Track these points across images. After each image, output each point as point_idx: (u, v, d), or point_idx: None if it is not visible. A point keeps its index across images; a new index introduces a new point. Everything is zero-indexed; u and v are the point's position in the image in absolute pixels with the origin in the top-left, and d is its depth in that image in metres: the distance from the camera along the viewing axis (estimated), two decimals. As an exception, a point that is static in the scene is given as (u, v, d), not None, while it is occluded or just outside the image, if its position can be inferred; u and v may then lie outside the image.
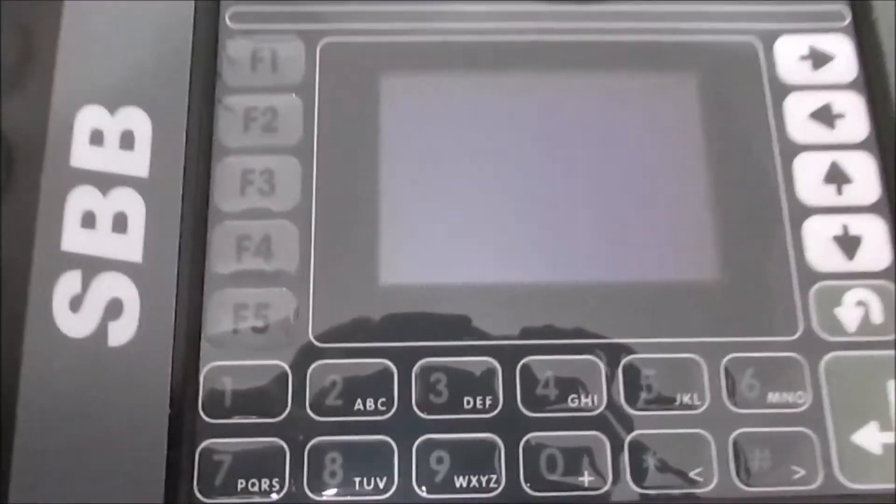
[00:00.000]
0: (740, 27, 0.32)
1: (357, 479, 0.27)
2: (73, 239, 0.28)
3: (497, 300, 0.29)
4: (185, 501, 0.26)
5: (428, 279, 0.29)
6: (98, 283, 0.27)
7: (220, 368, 0.28)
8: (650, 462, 0.27)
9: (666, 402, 0.28)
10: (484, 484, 0.27)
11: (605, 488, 0.27)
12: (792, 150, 0.31)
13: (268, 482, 0.27)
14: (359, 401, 0.27)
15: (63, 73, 0.29)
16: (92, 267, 0.27)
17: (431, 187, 0.30)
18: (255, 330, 0.28)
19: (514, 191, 0.30)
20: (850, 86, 0.31)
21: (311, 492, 0.27)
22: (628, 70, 0.31)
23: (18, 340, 0.27)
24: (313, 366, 0.28)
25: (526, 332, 0.28)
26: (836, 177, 0.30)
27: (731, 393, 0.28)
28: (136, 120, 0.29)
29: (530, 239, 0.29)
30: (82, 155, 0.29)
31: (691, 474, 0.27)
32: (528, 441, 0.27)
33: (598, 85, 0.31)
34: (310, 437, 0.27)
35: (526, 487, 0.27)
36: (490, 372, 0.28)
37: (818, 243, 0.30)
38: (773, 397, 0.28)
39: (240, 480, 0.27)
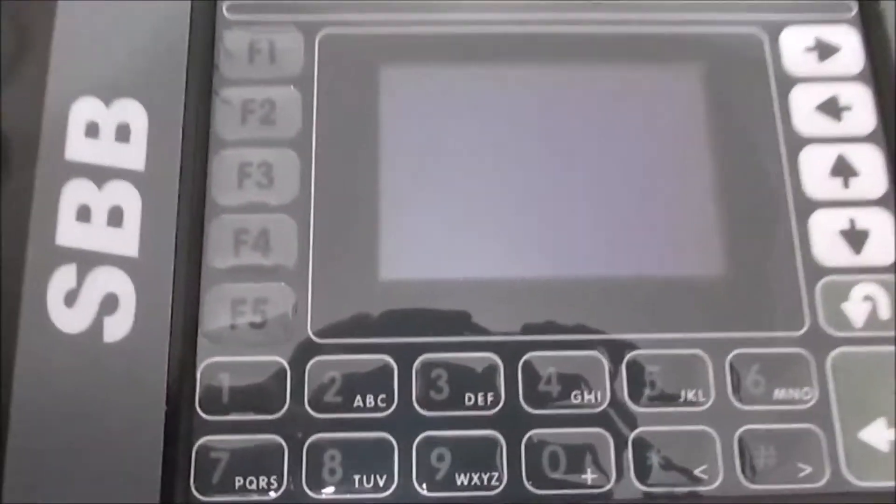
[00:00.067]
0: (745, 18, 0.32)
1: (356, 477, 0.27)
2: (68, 233, 0.27)
3: (499, 295, 0.28)
4: (182, 499, 0.26)
5: (429, 274, 0.29)
6: (93, 278, 0.27)
7: (217, 364, 0.27)
8: (654, 459, 0.27)
9: (670, 398, 0.28)
10: (485, 482, 0.27)
11: (609, 486, 0.27)
12: (798, 142, 0.30)
13: (266, 480, 0.27)
14: (358, 397, 0.27)
15: (58, 64, 0.29)
16: (87, 261, 0.27)
17: (432, 181, 0.30)
18: (253, 325, 0.28)
19: (517, 184, 0.30)
20: (857, 78, 0.31)
21: (310, 490, 0.27)
22: (631, 62, 0.31)
23: (12, 336, 0.26)
24: (312, 362, 0.28)
25: (528, 328, 0.28)
26: (843, 170, 0.30)
27: (737, 389, 0.28)
28: (132, 112, 0.29)
29: (533, 233, 0.29)
30: (77, 147, 0.28)
31: (696, 472, 0.27)
32: (530, 438, 0.27)
33: (600, 77, 0.31)
34: (308, 434, 0.27)
35: (528, 485, 0.27)
36: (492, 368, 0.28)
37: (825, 237, 0.29)
38: (779, 394, 0.28)
39: (237, 478, 0.27)
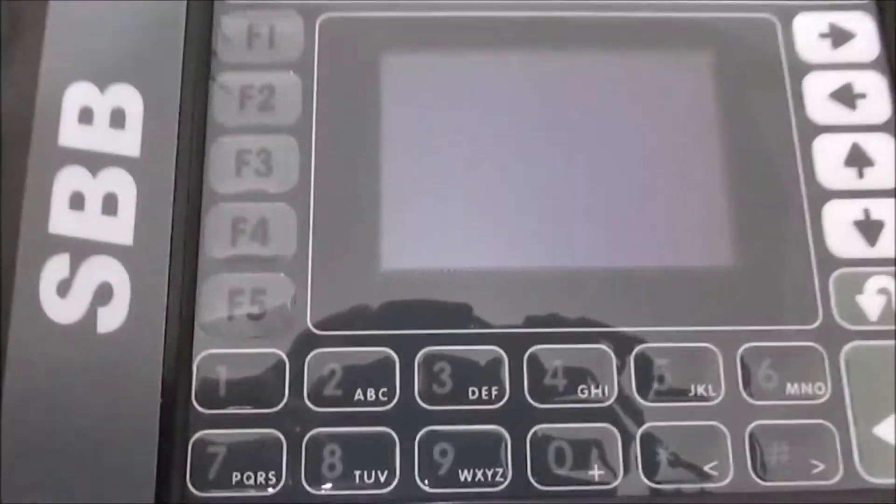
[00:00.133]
0: (757, 3, 0.31)
1: (357, 473, 0.26)
2: (61, 221, 0.27)
3: (504, 286, 0.28)
4: (178, 495, 0.26)
5: (432, 264, 0.28)
6: (87, 268, 0.27)
7: (214, 357, 0.27)
8: (662, 455, 0.27)
9: (679, 393, 0.27)
10: (489, 477, 0.26)
11: (616, 482, 0.27)
12: (811, 131, 0.30)
13: (264, 475, 0.26)
14: (359, 391, 0.27)
15: (51, 48, 0.29)
16: (80, 250, 0.27)
17: (435, 169, 0.29)
18: (251, 317, 0.28)
19: (522, 173, 0.29)
20: (872, 65, 0.31)
21: (309, 485, 0.26)
22: (640, 48, 0.31)
23: (4, 327, 0.26)
24: (311, 354, 0.27)
25: (534, 320, 0.28)
26: (858, 159, 0.30)
27: (748, 384, 0.27)
28: (127, 97, 0.28)
29: (540, 223, 0.29)
30: (71, 134, 0.28)
31: (705, 468, 0.27)
32: (535, 433, 0.27)
33: (608, 63, 0.31)
34: (308, 428, 0.27)
35: (533, 481, 0.26)
36: (496, 361, 0.27)
37: (838, 228, 0.29)
38: (791, 388, 0.27)
39: (234, 473, 0.26)
